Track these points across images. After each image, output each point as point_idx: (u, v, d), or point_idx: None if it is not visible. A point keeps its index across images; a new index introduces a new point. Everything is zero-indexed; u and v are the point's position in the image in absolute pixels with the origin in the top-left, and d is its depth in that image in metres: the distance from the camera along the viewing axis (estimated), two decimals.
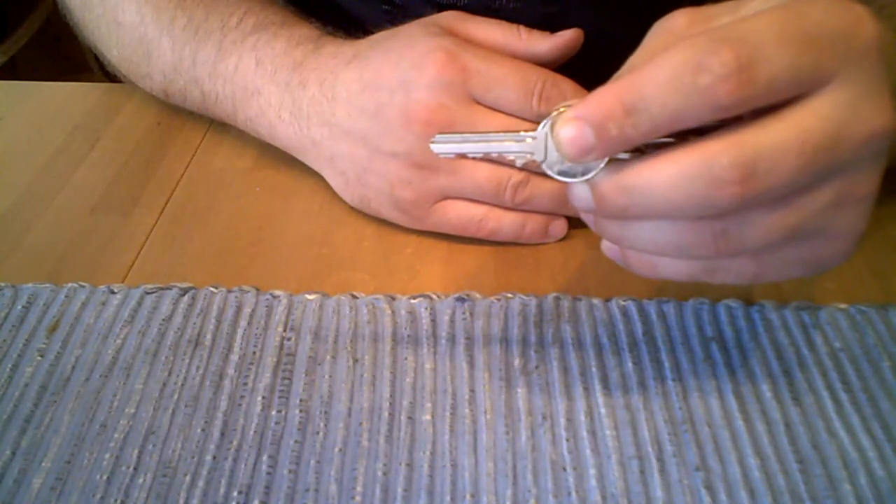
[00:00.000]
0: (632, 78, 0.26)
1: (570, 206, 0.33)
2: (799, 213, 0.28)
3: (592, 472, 0.32)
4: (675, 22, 0.29)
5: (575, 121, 0.27)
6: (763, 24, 0.26)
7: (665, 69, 0.26)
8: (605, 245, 0.32)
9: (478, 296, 0.40)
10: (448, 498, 0.32)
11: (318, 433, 0.34)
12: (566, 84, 0.40)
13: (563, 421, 0.34)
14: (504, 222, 0.43)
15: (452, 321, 0.39)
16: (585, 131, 0.27)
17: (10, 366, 0.37)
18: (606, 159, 0.28)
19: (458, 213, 0.42)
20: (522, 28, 0.42)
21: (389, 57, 0.41)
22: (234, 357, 0.37)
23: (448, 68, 0.39)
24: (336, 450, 0.33)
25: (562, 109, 0.28)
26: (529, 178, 0.41)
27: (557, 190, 0.41)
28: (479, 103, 0.40)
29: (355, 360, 0.37)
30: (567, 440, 0.34)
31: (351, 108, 0.42)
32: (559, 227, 0.44)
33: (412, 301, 0.40)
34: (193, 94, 0.50)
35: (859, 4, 0.27)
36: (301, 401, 0.35)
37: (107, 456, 0.33)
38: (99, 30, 0.54)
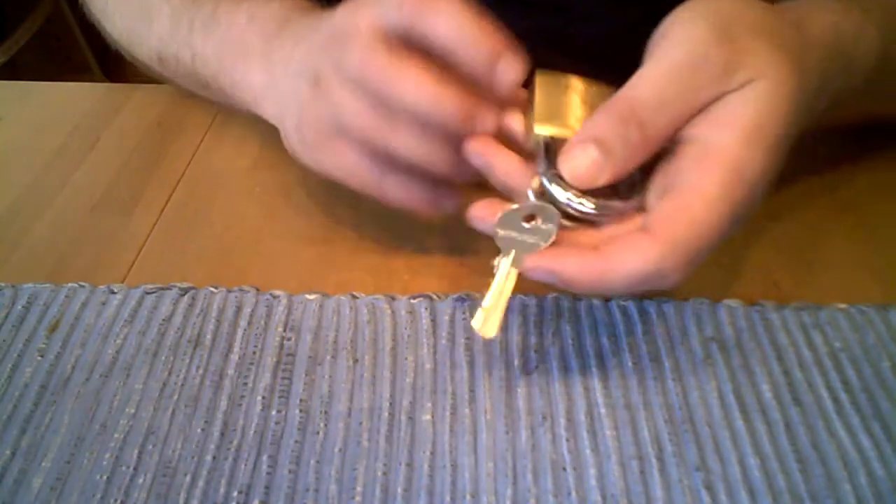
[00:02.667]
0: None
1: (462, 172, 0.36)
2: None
3: (592, 471, 0.32)
4: (710, 51, 0.32)
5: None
6: (708, 228, 0.31)
7: (630, 273, 0.31)
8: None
9: (478, 296, 0.40)
10: (448, 498, 0.32)
11: (318, 433, 0.34)
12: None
13: (563, 421, 0.34)
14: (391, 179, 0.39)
15: (452, 321, 0.39)
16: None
17: (10, 366, 0.37)
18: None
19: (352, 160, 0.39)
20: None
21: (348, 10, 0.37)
22: (234, 357, 0.37)
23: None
24: (336, 450, 0.33)
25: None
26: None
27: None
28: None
29: (355, 360, 0.37)
30: (567, 440, 0.34)
31: (309, 47, 0.40)
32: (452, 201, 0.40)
33: (412, 301, 0.40)
34: (184, 57, 0.49)
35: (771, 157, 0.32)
36: (301, 401, 0.35)
37: (107, 456, 0.33)
38: (105, 2, 0.54)
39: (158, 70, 0.53)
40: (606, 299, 0.40)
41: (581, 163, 0.31)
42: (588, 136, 0.31)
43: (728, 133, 0.31)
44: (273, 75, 0.43)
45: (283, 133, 0.43)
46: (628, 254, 0.31)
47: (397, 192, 0.39)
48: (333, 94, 0.37)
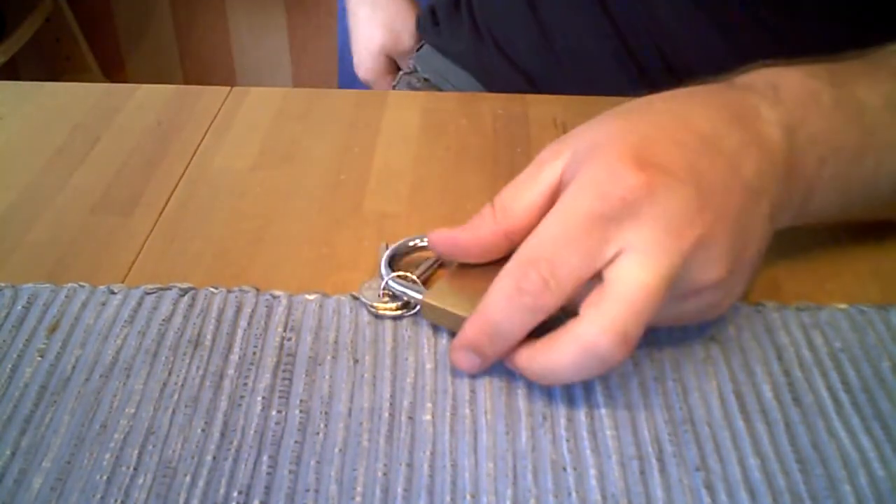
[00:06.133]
0: (482, 311, 0.34)
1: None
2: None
3: (593, 472, 0.32)
4: (540, 157, 0.36)
5: (459, 351, 0.36)
6: (549, 233, 0.33)
7: (500, 297, 0.33)
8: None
9: None
10: (448, 498, 0.32)
11: (318, 433, 0.34)
12: None
13: (563, 421, 0.34)
14: None
15: None
16: (470, 357, 0.35)
17: (10, 366, 0.37)
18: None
19: None
20: None
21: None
22: (234, 357, 0.37)
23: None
24: (336, 450, 0.33)
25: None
26: None
27: None
28: None
29: (355, 361, 0.37)
30: (567, 440, 0.34)
31: None
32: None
33: None
34: None
35: (633, 172, 0.32)
36: (301, 401, 0.35)
37: (107, 456, 0.33)
38: None
39: None
40: None
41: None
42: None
43: (571, 174, 0.34)
44: None
45: None
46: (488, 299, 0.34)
47: None
48: None
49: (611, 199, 0.32)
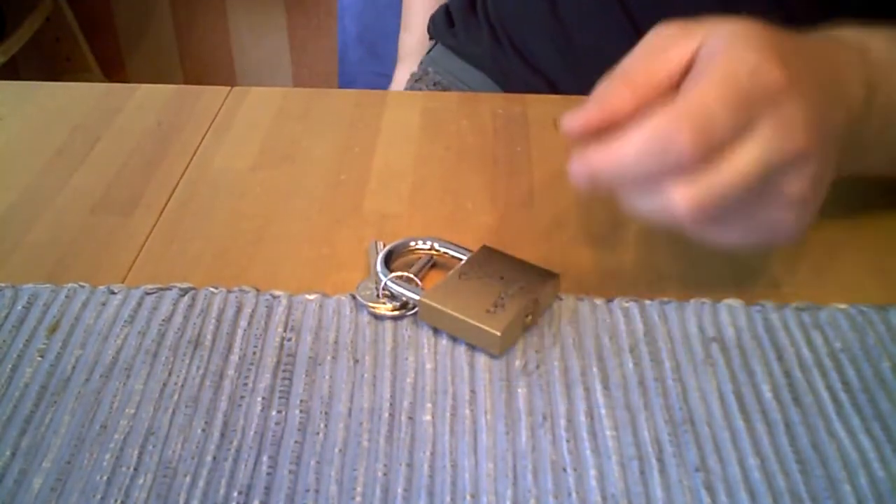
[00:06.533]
0: (618, 147, 0.34)
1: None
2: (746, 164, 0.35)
3: (592, 472, 0.32)
4: (666, 30, 0.37)
5: (582, 165, 0.35)
6: (710, 95, 0.34)
7: (641, 143, 0.34)
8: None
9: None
10: (448, 498, 0.32)
11: (318, 433, 0.34)
12: None
13: (563, 421, 0.34)
14: None
15: None
16: (585, 174, 0.35)
17: (10, 366, 0.37)
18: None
19: None
20: None
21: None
22: (234, 357, 0.37)
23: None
24: (336, 450, 0.33)
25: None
26: None
27: None
28: None
29: (356, 361, 0.37)
30: (567, 441, 0.34)
31: None
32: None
33: None
34: None
35: (775, 59, 0.35)
36: (301, 401, 0.35)
37: (107, 456, 0.33)
38: None
39: None
40: (609, 299, 0.40)
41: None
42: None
43: (711, 53, 0.35)
44: None
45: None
46: (638, 127, 0.34)
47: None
48: None
49: (762, 82, 0.34)
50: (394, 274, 0.40)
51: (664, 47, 0.37)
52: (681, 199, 0.34)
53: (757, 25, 0.36)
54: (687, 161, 0.34)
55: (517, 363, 0.37)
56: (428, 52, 0.77)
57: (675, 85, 0.36)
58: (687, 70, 0.36)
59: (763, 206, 0.36)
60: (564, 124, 0.37)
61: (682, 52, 0.36)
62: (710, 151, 0.34)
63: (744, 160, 0.34)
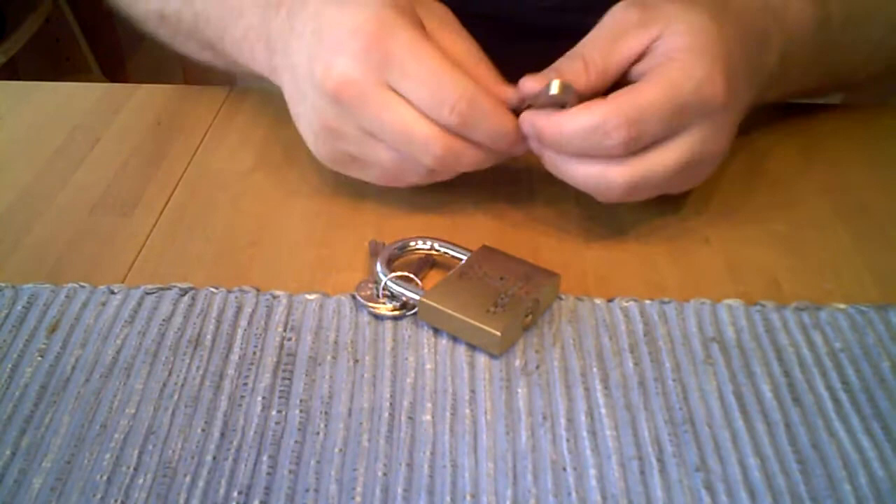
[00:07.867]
0: (562, 121, 0.39)
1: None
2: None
3: (592, 472, 0.32)
4: (628, 14, 0.41)
5: (529, 124, 0.41)
6: (652, 101, 0.38)
7: (580, 126, 0.39)
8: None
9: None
10: (448, 498, 0.32)
11: (318, 433, 0.34)
12: (486, 103, 0.40)
13: (563, 421, 0.34)
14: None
15: None
16: (530, 131, 0.41)
17: (10, 366, 0.37)
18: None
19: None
20: (485, 63, 0.43)
21: (342, 12, 0.41)
22: (234, 357, 0.37)
23: (373, 48, 0.39)
24: (336, 450, 0.33)
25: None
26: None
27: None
28: (393, 90, 0.40)
29: (356, 361, 0.37)
30: (567, 440, 0.34)
31: (299, 45, 0.42)
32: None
33: None
34: (186, 16, 0.51)
35: (720, 77, 0.39)
36: (301, 401, 0.35)
37: (107, 456, 0.33)
38: None
39: (156, 29, 0.54)
40: (609, 299, 0.40)
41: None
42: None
43: (664, 56, 0.39)
44: (270, 54, 0.46)
45: (296, 123, 0.46)
46: (582, 109, 0.39)
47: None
48: (350, 146, 0.43)
49: (702, 97, 0.39)
50: (394, 274, 0.40)
51: (623, 31, 0.41)
52: (618, 176, 0.40)
53: (711, 28, 0.40)
54: (617, 154, 0.39)
55: (517, 363, 0.37)
56: None
57: (626, 71, 0.41)
58: (639, 59, 0.41)
59: (682, 175, 0.41)
60: (522, 84, 0.41)
61: (637, 44, 0.40)
62: (639, 148, 0.39)
63: (670, 157, 0.40)
